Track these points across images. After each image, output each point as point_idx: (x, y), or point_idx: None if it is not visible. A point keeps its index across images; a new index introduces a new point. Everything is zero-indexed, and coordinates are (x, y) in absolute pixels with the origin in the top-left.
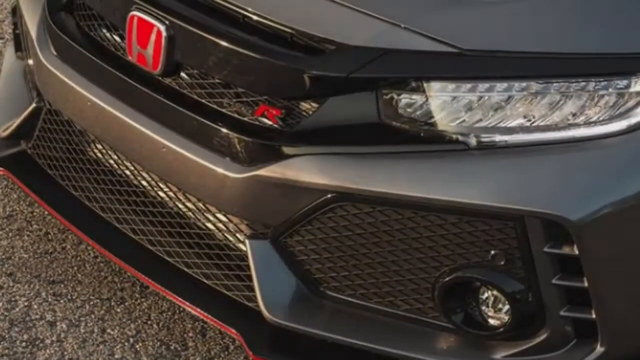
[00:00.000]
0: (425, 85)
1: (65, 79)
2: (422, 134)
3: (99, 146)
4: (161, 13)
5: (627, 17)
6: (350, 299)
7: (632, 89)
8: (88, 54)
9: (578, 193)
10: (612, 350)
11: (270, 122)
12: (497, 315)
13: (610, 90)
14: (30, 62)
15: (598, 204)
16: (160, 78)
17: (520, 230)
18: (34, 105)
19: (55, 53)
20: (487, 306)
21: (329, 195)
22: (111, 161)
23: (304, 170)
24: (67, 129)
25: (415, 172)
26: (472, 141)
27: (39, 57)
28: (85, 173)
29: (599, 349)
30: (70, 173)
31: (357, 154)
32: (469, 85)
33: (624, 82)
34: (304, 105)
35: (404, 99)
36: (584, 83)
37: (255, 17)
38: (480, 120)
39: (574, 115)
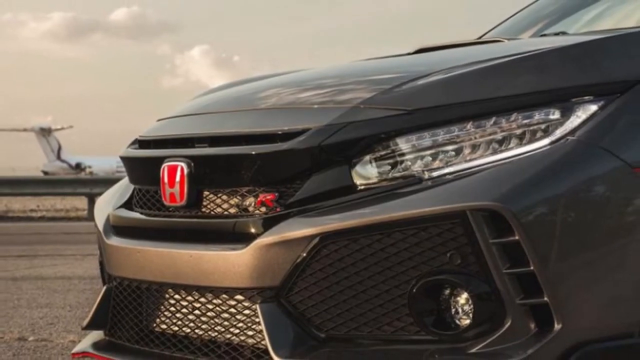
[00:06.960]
0: (384, 141)
1: (121, 246)
2: (385, 180)
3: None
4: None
5: (537, 67)
6: (344, 336)
7: (551, 117)
8: (138, 225)
9: (512, 188)
10: (570, 327)
11: (268, 206)
12: (465, 314)
13: (533, 119)
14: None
15: (530, 195)
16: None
17: (466, 227)
18: (105, 287)
19: (115, 235)
20: (456, 307)
21: (317, 239)
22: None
23: (293, 225)
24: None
25: (378, 202)
26: (425, 177)
27: (105, 242)
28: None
29: (557, 327)
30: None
31: (334, 204)
32: (417, 135)
33: (544, 112)
34: (293, 182)
35: (369, 154)
36: (512, 116)
37: (247, 131)
38: (431, 160)
39: (508, 141)
